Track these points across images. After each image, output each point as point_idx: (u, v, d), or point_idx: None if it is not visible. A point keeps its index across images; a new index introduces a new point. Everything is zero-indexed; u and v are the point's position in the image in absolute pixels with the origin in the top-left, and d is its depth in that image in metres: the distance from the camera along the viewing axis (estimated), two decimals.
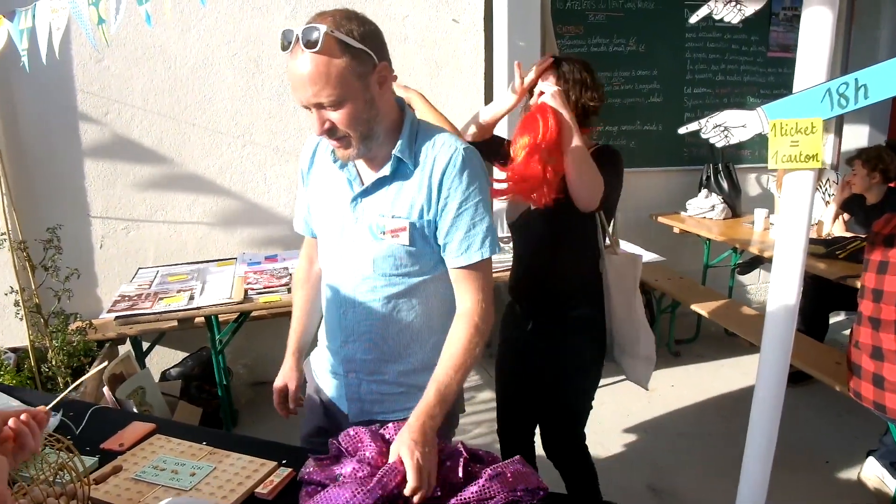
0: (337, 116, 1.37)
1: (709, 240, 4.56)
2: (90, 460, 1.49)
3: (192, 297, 3.01)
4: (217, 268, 3.55)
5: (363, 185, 1.52)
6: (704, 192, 4.73)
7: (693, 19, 1.53)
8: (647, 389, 2.40)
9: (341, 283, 1.59)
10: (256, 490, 1.39)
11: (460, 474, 1.30)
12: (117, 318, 2.88)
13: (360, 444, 1.37)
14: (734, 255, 4.71)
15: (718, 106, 4.85)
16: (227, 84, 3.73)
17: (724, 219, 4.62)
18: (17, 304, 2.95)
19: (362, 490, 1.21)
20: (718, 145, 1.52)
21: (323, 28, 1.28)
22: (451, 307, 1.53)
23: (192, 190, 3.79)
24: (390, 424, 1.41)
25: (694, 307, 4.03)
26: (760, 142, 4.65)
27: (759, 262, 4.40)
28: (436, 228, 1.49)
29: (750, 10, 1.42)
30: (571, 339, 2.17)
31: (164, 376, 3.63)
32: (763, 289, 5.26)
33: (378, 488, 1.21)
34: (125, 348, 3.41)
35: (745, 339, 3.71)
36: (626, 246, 3.92)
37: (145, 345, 3.57)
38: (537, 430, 2.41)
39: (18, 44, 2.36)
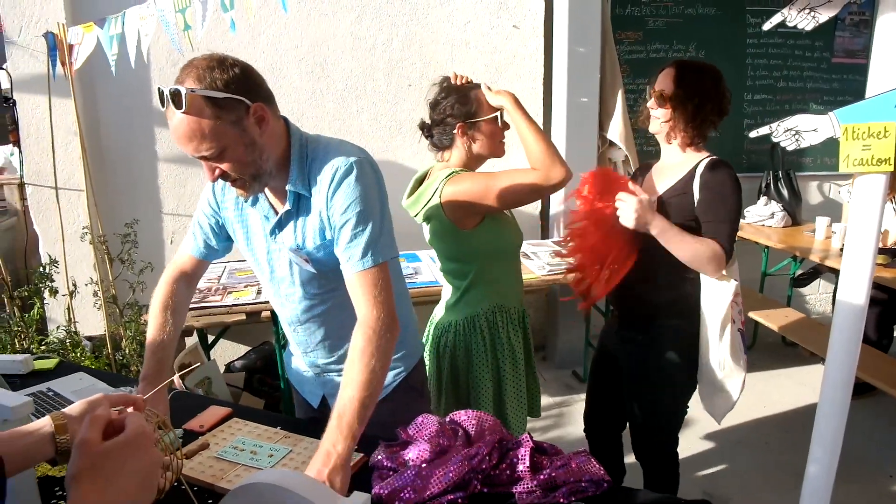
0: (224, 165, 1.40)
1: (767, 247, 4.50)
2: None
3: (259, 292, 3.13)
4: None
5: (277, 215, 1.57)
6: (764, 199, 4.66)
7: (766, 26, 1.54)
8: (718, 424, 2.26)
9: (284, 307, 1.71)
10: None
11: (526, 464, 1.35)
12: (189, 309, 3.01)
13: (426, 430, 1.43)
14: (793, 264, 4.62)
15: (779, 113, 4.78)
16: (293, 87, 3.86)
17: (783, 227, 4.54)
18: (95, 294, 3.12)
19: (431, 472, 1.27)
20: (789, 149, 1.53)
21: (184, 89, 1.28)
22: (396, 296, 1.56)
23: None
24: (461, 412, 1.46)
25: (752, 315, 3.98)
26: (822, 149, 4.58)
27: (818, 273, 4.32)
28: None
29: (824, 17, 1.43)
30: (662, 348, 2.13)
31: (229, 368, 3.76)
32: (823, 298, 5.15)
33: (449, 471, 1.27)
34: (192, 340, 3.55)
35: (806, 348, 3.65)
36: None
37: (210, 337, 3.71)
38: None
39: (108, 49, 2.50)
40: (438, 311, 2.22)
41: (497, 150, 2.09)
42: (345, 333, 1.61)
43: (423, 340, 2.22)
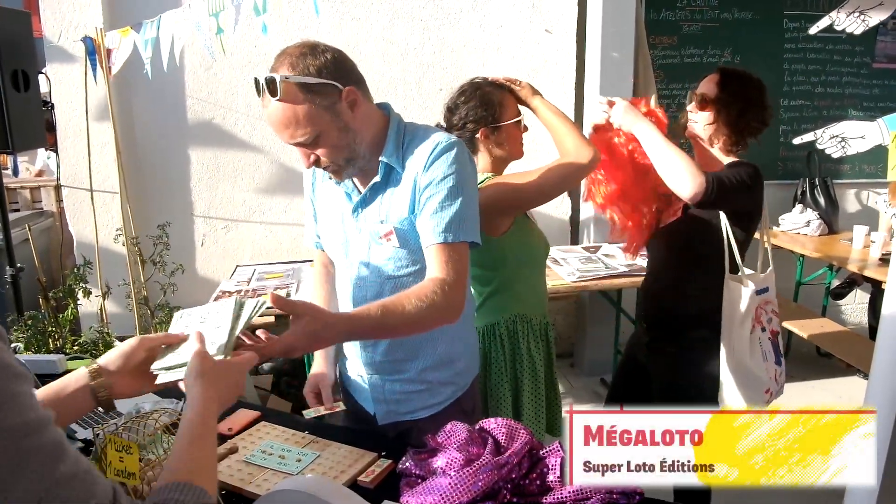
0: (319, 150, 1.44)
1: (802, 256, 4.41)
2: None
3: (288, 295, 3.14)
4: (311, 268, 3.68)
5: (360, 194, 1.58)
6: (799, 206, 4.57)
7: (813, 30, 1.51)
8: None
9: (354, 290, 1.65)
10: (359, 479, 1.45)
11: (557, 474, 1.33)
12: None
13: (456, 438, 1.41)
14: (829, 273, 4.52)
15: (816, 119, 4.69)
16: None
17: (819, 235, 4.44)
18: (128, 295, 3.15)
19: (461, 480, 1.25)
20: (835, 156, 1.49)
21: (279, 76, 1.33)
22: None
23: (288, 193, 3.96)
24: (491, 419, 1.44)
25: (785, 324, 3.90)
26: (862, 156, 4.47)
27: (854, 284, 4.22)
28: None
29: (875, 20, 1.39)
30: (693, 358, 2.10)
31: (256, 370, 3.78)
32: (859, 309, 5.03)
33: (479, 480, 1.25)
34: None
35: (842, 359, 3.56)
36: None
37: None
38: None
39: (143, 53, 2.54)
40: None
41: (518, 152, 2.08)
42: None
43: None
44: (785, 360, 4.49)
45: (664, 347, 2.16)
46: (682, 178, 1.86)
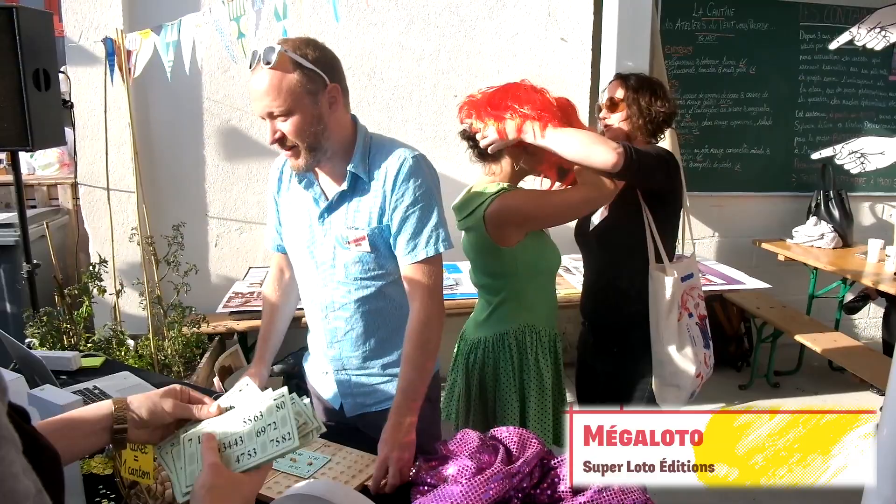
0: (286, 127, 1.51)
1: (816, 269, 4.38)
2: None
3: (300, 298, 3.15)
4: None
5: (328, 199, 1.67)
6: (813, 219, 4.54)
7: (833, 45, 1.51)
8: None
9: (319, 292, 1.74)
10: (369, 484, 1.46)
11: (568, 485, 1.33)
12: (232, 313, 3.06)
13: (467, 446, 1.42)
14: (843, 287, 4.50)
15: (832, 131, 4.67)
16: None
17: (833, 248, 4.42)
18: (141, 294, 3.18)
19: (472, 489, 1.25)
20: (853, 172, 1.48)
21: (279, 48, 1.46)
22: None
23: None
24: (503, 428, 1.45)
25: (798, 338, 3.88)
26: (877, 170, 4.45)
27: (868, 299, 4.19)
28: (390, 231, 1.63)
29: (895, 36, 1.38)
30: (631, 358, 2.16)
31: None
32: (873, 324, 4.99)
33: (490, 488, 1.25)
34: (233, 342, 3.60)
35: (855, 374, 3.54)
36: (725, 269, 3.82)
37: (250, 341, 3.75)
38: None
39: (164, 55, 2.56)
40: (468, 326, 2.20)
41: (541, 169, 2.10)
42: (375, 327, 1.72)
43: (453, 354, 2.21)
44: (797, 373, 4.51)
45: (608, 347, 2.22)
46: (599, 151, 1.85)
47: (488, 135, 1.92)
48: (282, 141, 1.54)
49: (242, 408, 1.04)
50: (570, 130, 1.90)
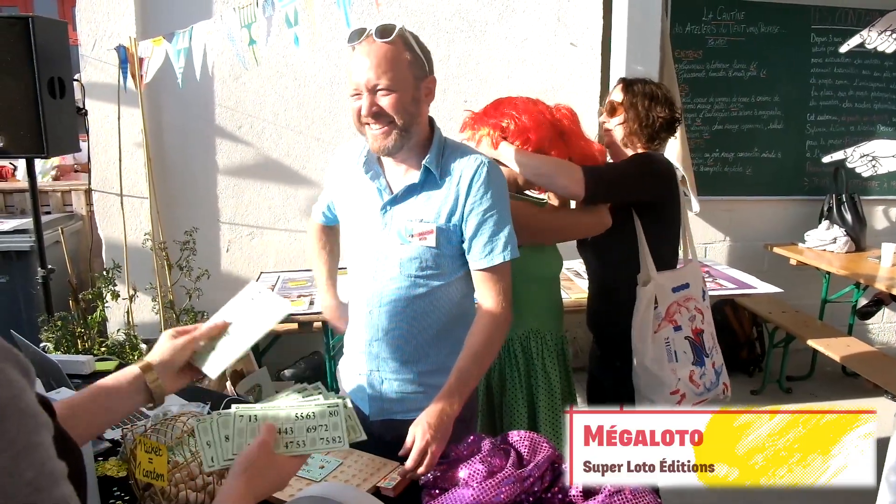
0: (387, 101, 1.51)
1: (828, 273, 4.35)
2: None
3: (311, 303, 3.17)
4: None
5: (392, 193, 1.65)
6: (826, 223, 4.51)
7: (844, 48, 1.50)
8: None
9: (368, 285, 1.70)
10: (381, 487, 1.46)
11: (580, 489, 1.33)
12: None
13: (479, 449, 1.42)
14: (856, 291, 4.46)
15: (844, 135, 4.63)
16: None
17: (846, 252, 4.39)
18: (153, 299, 3.20)
19: (483, 492, 1.26)
20: (865, 175, 1.48)
21: (399, 24, 1.49)
22: (464, 314, 1.70)
23: (312, 201, 3.98)
24: (514, 432, 1.45)
25: (811, 343, 3.85)
26: (890, 173, 4.42)
27: (882, 304, 4.16)
28: (461, 233, 1.63)
29: None
30: (630, 371, 2.11)
31: (279, 376, 3.81)
32: (887, 328, 4.95)
33: (501, 492, 1.25)
34: None
35: (869, 379, 3.51)
36: (737, 273, 3.81)
37: (261, 345, 3.77)
38: None
39: (176, 62, 2.59)
40: None
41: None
42: (417, 330, 1.69)
43: None
44: (810, 378, 4.46)
45: (612, 361, 2.19)
46: (560, 181, 1.93)
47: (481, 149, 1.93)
48: (377, 115, 1.53)
49: (293, 404, 1.17)
50: (534, 156, 1.93)
